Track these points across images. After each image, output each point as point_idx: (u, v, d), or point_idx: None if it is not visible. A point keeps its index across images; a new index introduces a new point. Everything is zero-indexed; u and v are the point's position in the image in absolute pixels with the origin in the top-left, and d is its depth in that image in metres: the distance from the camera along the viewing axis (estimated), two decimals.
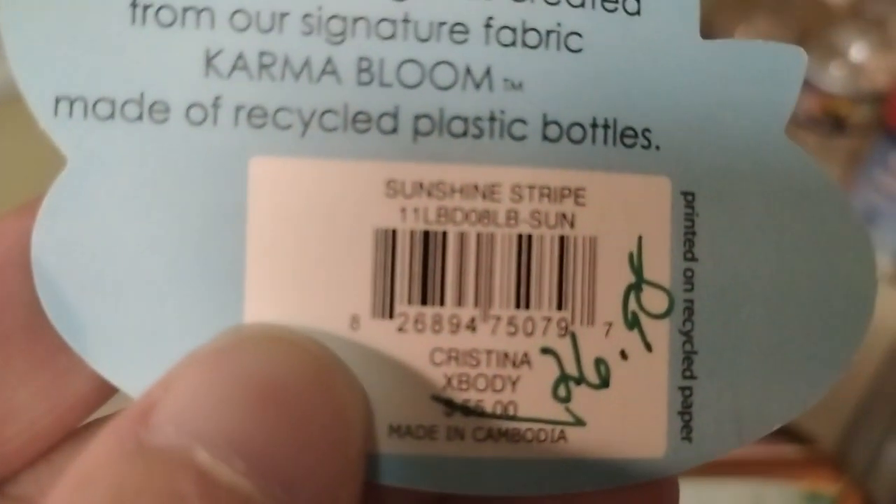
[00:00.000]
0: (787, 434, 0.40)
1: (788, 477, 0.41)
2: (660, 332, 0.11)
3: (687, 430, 0.11)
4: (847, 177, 0.53)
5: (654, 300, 0.11)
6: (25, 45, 0.10)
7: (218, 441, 0.08)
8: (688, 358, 0.11)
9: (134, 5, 0.10)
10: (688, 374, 0.11)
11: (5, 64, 0.10)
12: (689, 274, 0.11)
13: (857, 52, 0.49)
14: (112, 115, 0.10)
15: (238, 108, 0.10)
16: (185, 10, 0.10)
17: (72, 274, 0.10)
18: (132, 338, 0.10)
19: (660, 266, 0.11)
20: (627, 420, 0.10)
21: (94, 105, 0.10)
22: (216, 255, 0.10)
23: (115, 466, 0.08)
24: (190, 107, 0.10)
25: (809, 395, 0.11)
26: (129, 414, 0.09)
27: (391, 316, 0.10)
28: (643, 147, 0.11)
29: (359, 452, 0.09)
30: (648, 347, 0.11)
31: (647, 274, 0.11)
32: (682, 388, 0.11)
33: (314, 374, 0.09)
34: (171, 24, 0.10)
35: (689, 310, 0.11)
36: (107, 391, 0.11)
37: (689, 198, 0.11)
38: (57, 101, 0.10)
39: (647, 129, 0.11)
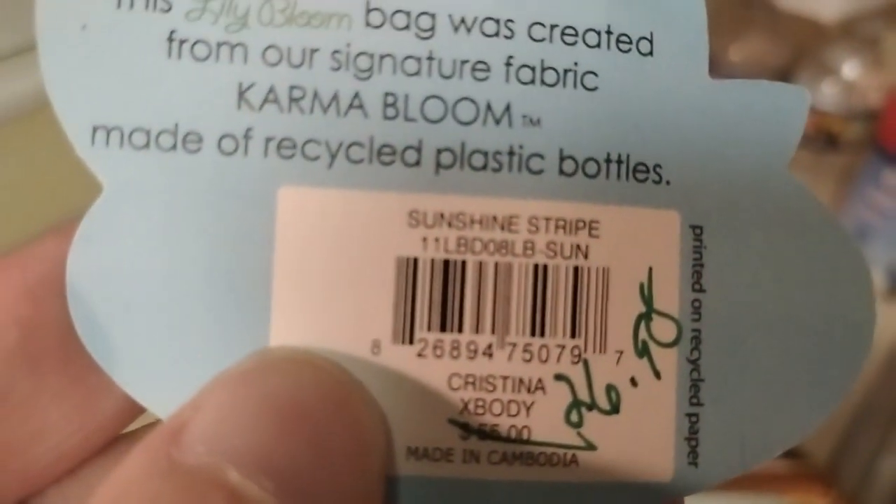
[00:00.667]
0: None
1: (779, 491, 0.41)
2: (668, 361, 0.11)
3: (693, 455, 0.11)
4: (839, 193, 0.54)
5: (664, 329, 0.11)
6: (64, 74, 0.10)
7: (247, 460, 0.09)
8: (695, 385, 0.11)
9: (171, 40, 0.10)
10: (695, 401, 0.11)
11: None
12: (696, 304, 0.11)
13: (850, 70, 0.50)
14: (147, 145, 0.10)
15: (268, 140, 0.10)
16: (220, 45, 0.10)
17: (104, 298, 0.10)
18: (161, 360, 0.10)
19: (669, 296, 0.11)
20: (637, 445, 0.11)
21: (130, 135, 0.10)
22: (244, 281, 0.10)
23: (149, 484, 0.09)
24: (222, 137, 0.10)
25: (810, 422, 0.11)
26: (161, 433, 0.09)
27: (411, 342, 0.11)
28: (654, 182, 0.11)
29: (378, 474, 0.10)
30: (657, 375, 0.11)
31: (657, 304, 0.11)
32: (689, 415, 0.11)
33: (337, 398, 0.10)
34: (205, 59, 0.10)
35: (697, 339, 0.11)
36: (133, 412, 0.11)
37: (697, 231, 0.11)
38: (94, 130, 0.10)
39: (658, 165, 0.11)
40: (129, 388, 0.10)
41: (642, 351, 0.11)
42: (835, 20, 0.44)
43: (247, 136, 0.10)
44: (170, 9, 0.10)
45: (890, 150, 0.48)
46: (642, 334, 0.11)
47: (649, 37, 0.11)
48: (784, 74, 0.52)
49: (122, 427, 0.12)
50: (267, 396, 0.09)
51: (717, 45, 0.47)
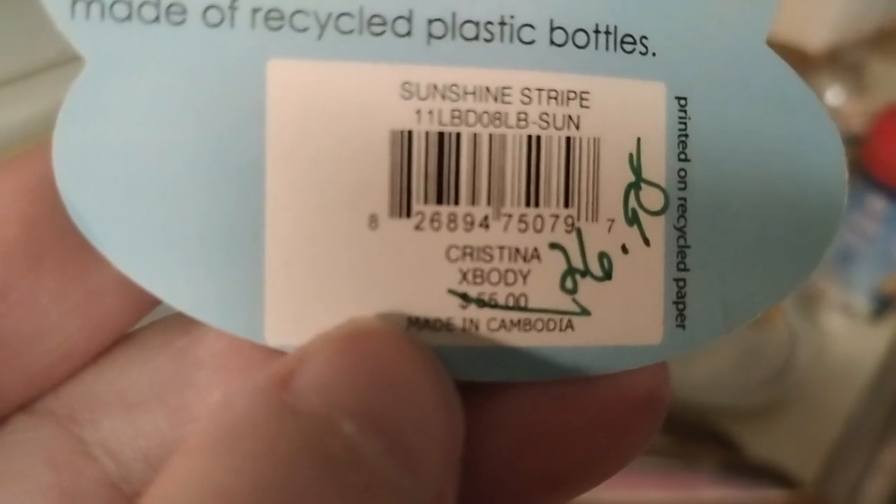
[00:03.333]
0: (772, 478, 0.41)
1: None
2: (657, 228, 0.11)
3: (681, 318, 0.11)
4: None
5: (652, 198, 0.11)
6: None
7: (360, 418, 0.09)
8: (682, 252, 0.11)
9: None
10: (682, 266, 0.11)
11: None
12: (682, 174, 0.11)
13: (834, 96, 0.50)
14: (129, 17, 0.10)
15: (255, 10, 0.10)
16: None
17: (93, 175, 0.10)
18: (155, 238, 0.10)
19: (656, 166, 0.11)
20: (628, 309, 0.11)
21: (112, 6, 0.10)
22: (236, 157, 0.10)
23: (265, 424, 0.09)
24: (207, 8, 0.10)
25: (788, 286, 0.12)
26: (269, 377, 0.09)
27: (409, 215, 0.11)
28: (641, 53, 0.11)
29: (462, 439, 0.10)
30: (647, 242, 0.11)
31: (646, 173, 0.11)
32: (677, 280, 0.11)
33: (431, 369, 0.10)
34: None
35: (683, 207, 0.11)
36: (137, 311, 0.11)
37: (682, 102, 0.11)
38: (74, 1, 0.10)
39: (644, 37, 0.11)
40: (122, 265, 0.10)
41: (632, 219, 0.11)
42: (821, 49, 0.44)
43: (232, 7, 0.10)
44: None
45: (874, 175, 0.49)
46: (632, 203, 0.11)
47: None
48: None
49: (125, 328, 0.11)
50: (374, 361, 0.10)
51: None
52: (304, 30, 0.10)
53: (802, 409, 0.48)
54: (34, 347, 0.11)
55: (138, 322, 0.11)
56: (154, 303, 0.11)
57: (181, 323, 0.11)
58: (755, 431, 0.45)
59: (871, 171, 0.49)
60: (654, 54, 0.11)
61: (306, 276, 0.10)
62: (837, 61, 0.49)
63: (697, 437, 0.44)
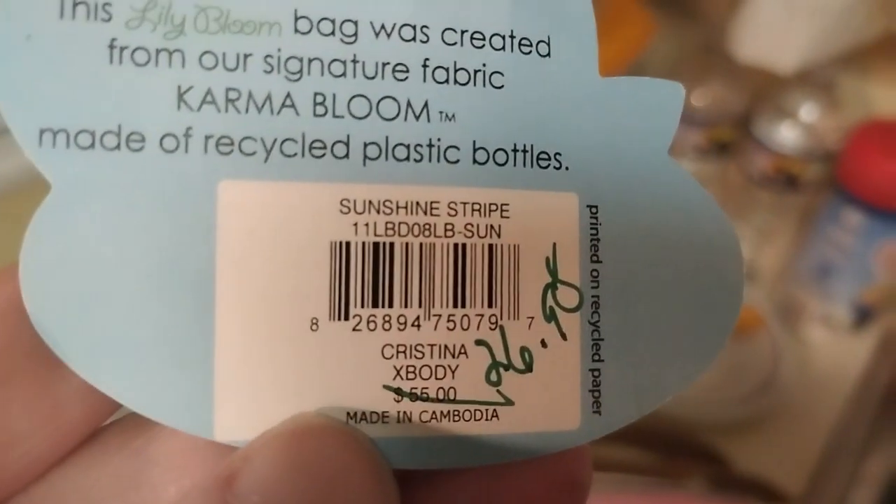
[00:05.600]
0: (759, 492, 0.41)
1: None
2: (573, 324, 0.13)
3: (597, 405, 0.13)
4: (801, 231, 0.55)
5: (568, 297, 0.13)
6: (10, 82, 0.11)
7: None
8: (596, 344, 0.13)
9: (111, 47, 0.11)
10: (596, 357, 0.13)
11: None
12: (595, 274, 0.13)
13: (807, 113, 0.51)
14: (92, 145, 0.11)
15: (207, 138, 0.11)
16: (159, 51, 0.11)
17: (56, 290, 0.11)
18: (113, 345, 0.11)
19: (571, 268, 0.13)
20: (548, 398, 0.12)
21: (76, 136, 0.11)
22: (188, 269, 0.11)
23: None
24: (163, 136, 0.11)
25: (695, 371, 0.13)
26: (216, 480, 0.10)
27: (347, 318, 0.12)
28: (555, 168, 0.13)
29: None
30: (564, 337, 0.13)
31: (562, 275, 0.13)
32: (592, 370, 0.13)
33: (369, 463, 0.11)
34: (145, 64, 0.11)
35: (596, 304, 0.13)
36: (99, 416, 0.12)
37: (593, 210, 0.13)
38: (41, 132, 0.11)
39: (558, 153, 0.13)
40: (84, 373, 0.11)
41: (550, 316, 0.13)
42: (791, 71, 0.45)
43: (187, 135, 0.11)
44: (110, 18, 0.11)
45: (849, 190, 0.49)
46: (550, 301, 0.13)
47: (547, 40, 0.13)
48: (744, 118, 0.53)
49: (87, 432, 0.12)
50: (315, 455, 0.11)
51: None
52: (252, 154, 0.12)
53: (788, 422, 0.48)
54: (5, 454, 0.11)
55: (96, 427, 0.12)
56: (115, 408, 0.12)
57: (138, 423, 0.12)
58: (741, 445, 0.46)
59: (847, 185, 0.49)
60: (566, 168, 0.13)
61: (253, 375, 0.11)
62: (810, 80, 0.50)
63: (684, 453, 0.44)
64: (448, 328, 0.12)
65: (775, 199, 0.54)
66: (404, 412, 0.12)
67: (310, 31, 0.12)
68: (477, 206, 0.12)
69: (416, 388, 0.12)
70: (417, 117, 0.12)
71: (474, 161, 0.12)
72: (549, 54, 0.13)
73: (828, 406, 0.49)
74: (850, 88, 0.53)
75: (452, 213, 0.12)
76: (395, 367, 0.12)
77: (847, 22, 0.43)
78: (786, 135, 0.51)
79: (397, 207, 0.12)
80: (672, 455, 0.43)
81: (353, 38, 0.12)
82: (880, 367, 0.50)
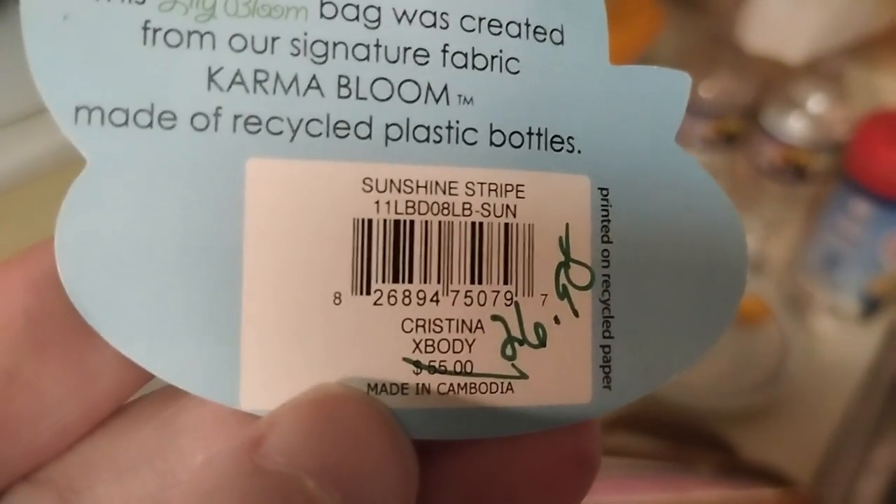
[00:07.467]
0: (767, 478, 0.41)
1: None
2: (584, 301, 0.13)
3: (607, 380, 0.13)
4: (810, 222, 0.55)
5: (580, 275, 0.13)
6: (48, 61, 0.11)
7: (320, 475, 0.10)
8: (606, 321, 0.13)
9: (145, 28, 0.12)
10: (607, 334, 0.13)
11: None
12: (605, 254, 0.13)
13: (815, 104, 0.51)
14: (126, 123, 0.12)
15: (236, 117, 0.12)
16: (190, 33, 0.12)
17: (90, 262, 0.11)
18: (145, 316, 0.12)
19: (583, 247, 0.13)
20: (561, 373, 0.13)
21: (111, 114, 0.11)
22: (217, 244, 0.12)
23: (238, 482, 0.10)
24: (194, 115, 0.12)
25: (700, 349, 0.14)
26: (242, 443, 0.11)
27: (369, 292, 0.12)
28: (568, 151, 0.13)
29: (415, 493, 0.12)
30: (576, 314, 0.13)
31: (574, 254, 0.13)
32: (603, 346, 0.13)
33: (390, 433, 0.12)
34: (177, 46, 0.12)
35: (607, 282, 0.13)
36: (129, 388, 0.12)
37: (604, 192, 0.13)
38: (77, 110, 0.11)
39: (570, 137, 0.13)
40: (116, 342, 0.11)
41: (563, 293, 0.13)
42: (800, 61, 0.45)
43: (216, 114, 0.12)
44: (144, 1, 0.12)
45: (857, 180, 0.50)
46: (562, 280, 0.13)
47: (560, 29, 0.13)
48: (752, 109, 0.53)
49: (117, 404, 0.13)
50: (336, 422, 0.11)
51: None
52: (279, 133, 0.12)
53: (796, 411, 0.48)
54: (37, 425, 0.12)
55: (130, 397, 0.13)
56: (144, 381, 0.12)
57: (167, 396, 0.13)
58: (750, 434, 0.46)
59: (855, 176, 0.50)
60: (579, 151, 0.13)
61: (278, 347, 0.12)
62: (818, 71, 0.50)
63: (693, 441, 0.44)
64: (465, 304, 0.13)
65: (783, 190, 0.54)
66: (423, 384, 0.12)
67: (335, 15, 0.12)
68: (493, 187, 0.13)
69: (434, 361, 0.12)
70: (437, 100, 0.13)
71: (491, 143, 0.13)
72: (562, 42, 0.13)
73: (835, 396, 0.49)
74: (858, 79, 0.53)
75: (470, 192, 0.13)
76: (414, 340, 0.12)
77: (855, 12, 0.44)
78: (794, 126, 0.51)
79: (417, 187, 0.12)
80: (682, 444, 0.43)
81: (376, 24, 0.12)
82: (888, 356, 0.50)
